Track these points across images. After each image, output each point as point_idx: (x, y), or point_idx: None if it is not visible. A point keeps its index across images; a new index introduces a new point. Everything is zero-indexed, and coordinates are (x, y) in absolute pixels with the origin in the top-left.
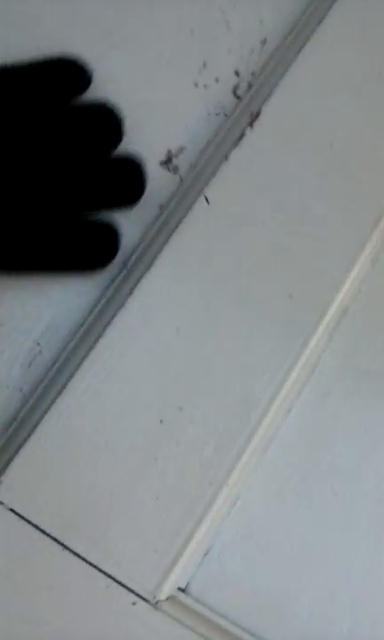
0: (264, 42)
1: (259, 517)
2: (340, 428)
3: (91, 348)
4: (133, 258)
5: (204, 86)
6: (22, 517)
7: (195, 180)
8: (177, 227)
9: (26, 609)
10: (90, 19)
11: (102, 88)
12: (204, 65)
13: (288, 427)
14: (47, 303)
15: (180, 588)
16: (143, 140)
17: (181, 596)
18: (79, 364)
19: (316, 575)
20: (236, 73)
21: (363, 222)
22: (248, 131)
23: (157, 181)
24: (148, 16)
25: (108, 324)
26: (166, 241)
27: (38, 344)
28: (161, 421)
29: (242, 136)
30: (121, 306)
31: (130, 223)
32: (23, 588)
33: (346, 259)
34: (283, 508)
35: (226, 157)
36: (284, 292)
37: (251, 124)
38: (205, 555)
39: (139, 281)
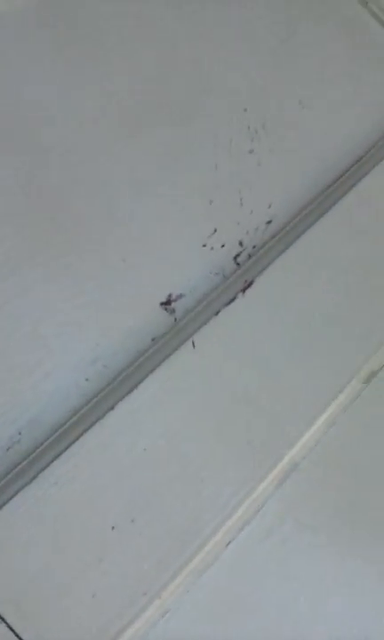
0: (269, 222)
1: (182, 635)
2: (271, 569)
3: (67, 448)
4: (122, 376)
5: (211, 248)
6: None
7: (187, 324)
8: (163, 360)
9: None
10: (129, 171)
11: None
12: (215, 231)
13: (225, 558)
14: (35, 399)
15: None
16: (150, 280)
17: None
18: (52, 460)
19: None
20: (240, 243)
21: (325, 389)
22: (240, 295)
23: (155, 318)
24: (181, 180)
25: (85, 430)
26: (152, 370)
27: (20, 433)
28: (113, 528)
29: (234, 299)
30: (101, 417)
31: (123, 348)
32: None
33: (305, 419)
34: (206, 631)
35: (216, 313)
36: (244, 438)
37: (243, 291)
38: None
39: (121, 399)
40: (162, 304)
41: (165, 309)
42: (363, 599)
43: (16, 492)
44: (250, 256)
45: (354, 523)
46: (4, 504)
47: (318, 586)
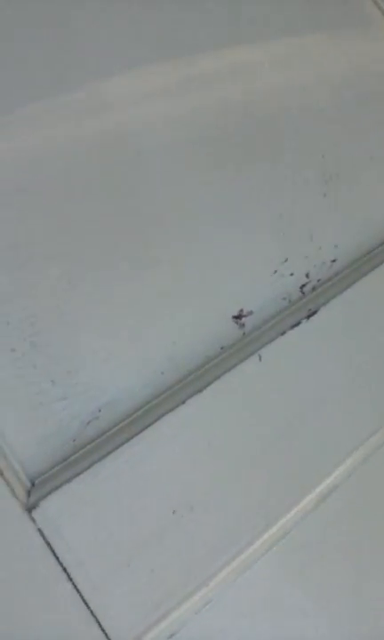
0: (334, 261)
1: (221, 626)
2: (315, 573)
3: (141, 431)
4: (193, 375)
5: (281, 275)
6: (47, 542)
7: (254, 339)
8: (232, 367)
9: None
10: (214, 197)
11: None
12: (286, 260)
13: (271, 556)
14: (116, 382)
15: None
16: (224, 294)
17: None
18: (127, 440)
19: None
20: (307, 275)
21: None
22: (304, 321)
23: (226, 329)
24: (261, 211)
25: (158, 418)
26: (222, 374)
27: (99, 410)
28: (173, 512)
29: (299, 322)
30: (173, 408)
31: (196, 351)
32: (17, 606)
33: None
34: (245, 627)
35: (282, 333)
36: (297, 449)
37: (308, 317)
38: (169, 638)
39: (192, 395)
40: (233, 317)
41: (236, 323)
42: None
43: (90, 465)
44: (314, 288)
45: None
46: (79, 474)
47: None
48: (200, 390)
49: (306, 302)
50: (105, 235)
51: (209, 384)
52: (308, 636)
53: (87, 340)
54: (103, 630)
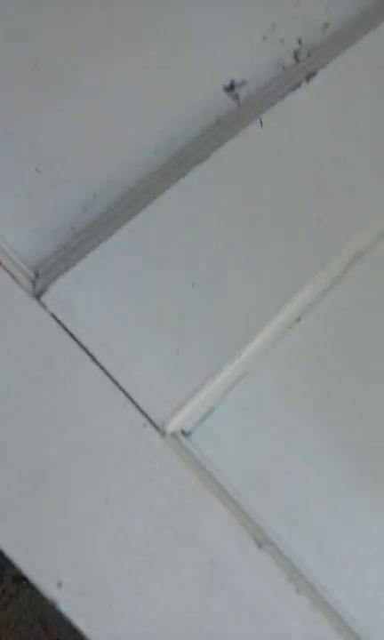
0: (327, 25)
1: (260, 401)
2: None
3: (142, 208)
4: (191, 149)
5: (271, 42)
6: (63, 325)
7: (251, 107)
8: (232, 136)
9: (46, 413)
10: None
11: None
12: (274, 27)
13: (304, 328)
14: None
15: (183, 432)
16: (213, 65)
17: (183, 438)
18: (129, 218)
19: (300, 461)
20: (299, 41)
21: None
22: (304, 83)
23: (219, 102)
24: None
25: (160, 192)
26: (221, 144)
27: (94, 196)
28: (193, 284)
29: (298, 85)
30: (174, 182)
31: (190, 125)
32: (44, 393)
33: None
34: (282, 398)
35: (282, 97)
36: (311, 217)
37: (307, 79)
38: (209, 412)
39: (191, 167)
40: (225, 89)
41: (229, 94)
42: None
43: (96, 246)
44: (309, 54)
45: None
46: (84, 256)
47: None
48: (200, 161)
49: (302, 67)
50: None
51: (210, 153)
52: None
53: (69, 124)
54: (138, 407)
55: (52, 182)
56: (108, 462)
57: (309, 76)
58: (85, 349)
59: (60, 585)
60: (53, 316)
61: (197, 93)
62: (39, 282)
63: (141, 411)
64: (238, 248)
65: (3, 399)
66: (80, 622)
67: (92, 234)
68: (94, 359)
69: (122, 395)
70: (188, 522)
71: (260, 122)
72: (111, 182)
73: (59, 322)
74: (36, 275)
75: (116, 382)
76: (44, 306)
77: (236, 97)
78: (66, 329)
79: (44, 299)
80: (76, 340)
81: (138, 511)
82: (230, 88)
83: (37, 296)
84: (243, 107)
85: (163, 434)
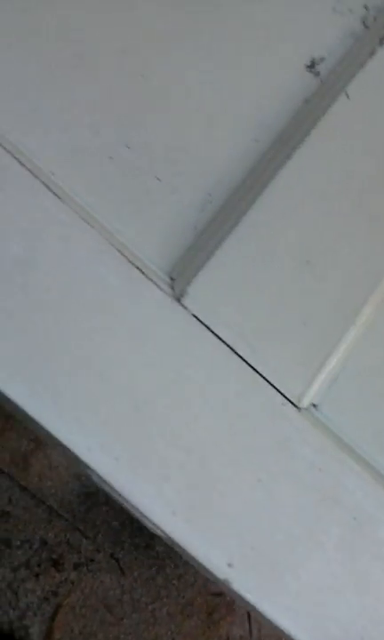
0: None
1: (376, 360)
2: None
3: (255, 199)
4: (287, 134)
5: (341, 13)
6: (205, 324)
7: (335, 82)
8: (323, 114)
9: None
10: None
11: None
12: None
13: None
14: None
15: (313, 404)
16: (291, 47)
17: (314, 410)
18: (245, 211)
19: None
20: (365, 7)
21: None
22: (378, 48)
23: (303, 82)
24: None
25: (269, 180)
26: (314, 125)
27: (210, 194)
28: (307, 262)
29: (374, 51)
30: (278, 170)
31: (281, 110)
32: (195, 392)
33: None
34: None
35: (362, 66)
36: None
37: (381, 43)
38: (333, 382)
39: (294, 150)
40: (307, 67)
41: (311, 72)
42: None
43: (221, 242)
44: (375, 18)
45: None
46: (212, 255)
47: None
48: (301, 143)
49: (373, 32)
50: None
51: (307, 134)
52: None
53: (176, 129)
54: (277, 389)
55: (172, 188)
56: (256, 444)
57: (382, 39)
58: (226, 343)
59: (230, 565)
60: (195, 317)
61: (282, 78)
62: (176, 285)
63: (279, 391)
64: (346, 219)
65: (163, 397)
66: (251, 597)
67: (214, 231)
68: (235, 351)
69: (261, 379)
70: (332, 485)
71: (346, 94)
72: (222, 178)
73: (201, 321)
74: (171, 278)
75: (255, 369)
76: (185, 308)
77: (317, 74)
78: (208, 327)
79: (184, 301)
80: (217, 336)
81: (287, 485)
82: (311, 66)
83: (178, 299)
84: (326, 83)
85: (299, 409)
